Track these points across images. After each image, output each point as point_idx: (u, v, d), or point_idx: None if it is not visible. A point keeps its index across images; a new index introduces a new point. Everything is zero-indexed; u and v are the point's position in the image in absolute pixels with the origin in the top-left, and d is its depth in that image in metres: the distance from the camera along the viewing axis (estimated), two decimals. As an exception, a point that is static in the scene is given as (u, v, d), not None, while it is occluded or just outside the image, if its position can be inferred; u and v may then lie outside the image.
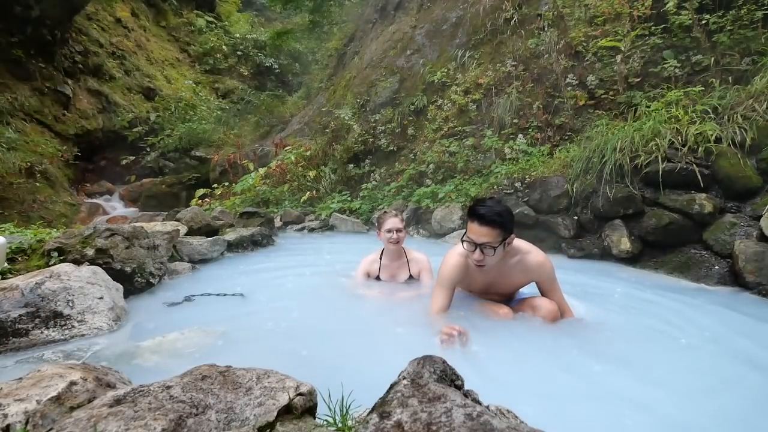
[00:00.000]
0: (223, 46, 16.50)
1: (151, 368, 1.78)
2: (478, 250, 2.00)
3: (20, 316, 2.00)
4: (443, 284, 2.19)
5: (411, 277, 3.01)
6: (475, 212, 2.00)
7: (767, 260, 2.83)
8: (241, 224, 5.23)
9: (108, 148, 11.58)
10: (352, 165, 7.42)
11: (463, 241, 2.08)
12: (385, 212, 3.03)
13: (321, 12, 13.20)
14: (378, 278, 3.02)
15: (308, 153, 8.18)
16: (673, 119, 3.79)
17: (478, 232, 1.98)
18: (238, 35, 17.08)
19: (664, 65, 4.54)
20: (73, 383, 1.06)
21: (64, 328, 2.07)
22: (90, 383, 1.08)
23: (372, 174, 7.10)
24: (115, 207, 10.17)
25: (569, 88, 5.36)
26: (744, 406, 1.58)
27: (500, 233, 1.97)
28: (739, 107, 3.57)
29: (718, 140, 3.44)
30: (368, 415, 0.89)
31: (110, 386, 1.12)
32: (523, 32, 6.29)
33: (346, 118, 7.86)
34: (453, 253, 2.21)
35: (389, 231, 2.89)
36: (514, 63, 6.14)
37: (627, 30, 4.91)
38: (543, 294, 2.19)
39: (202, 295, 2.72)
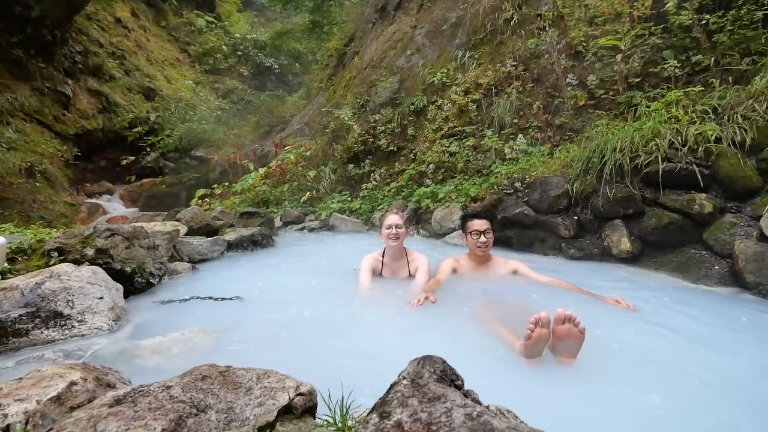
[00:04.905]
0: (223, 46, 16.52)
1: (151, 368, 1.77)
2: (482, 236, 2.88)
3: (20, 316, 2.01)
4: (440, 272, 2.98)
5: (411, 275, 3.04)
6: (474, 215, 3.02)
7: (767, 260, 2.83)
8: (241, 224, 5.23)
9: (108, 148, 11.58)
10: (352, 165, 7.42)
11: (470, 233, 2.94)
12: (388, 210, 3.09)
13: (321, 12, 13.21)
14: (381, 275, 3.06)
15: (308, 153, 8.18)
16: (673, 119, 3.79)
17: (480, 224, 2.92)
18: (238, 35, 17.10)
19: (664, 65, 4.53)
20: (73, 383, 1.06)
21: (64, 328, 2.07)
22: (90, 383, 1.08)
23: (372, 174, 7.10)
24: (115, 207, 10.17)
25: (569, 88, 5.36)
26: (742, 407, 1.58)
27: (491, 224, 2.98)
28: (739, 107, 3.56)
29: (718, 140, 3.43)
30: (368, 415, 0.90)
31: (110, 386, 1.12)
32: (523, 32, 6.29)
33: (346, 118, 7.85)
34: (448, 259, 3.07)
35: (388, 227, 2.97)
36: (514, 63, 6.14)
37: (627, 30, 4.91)
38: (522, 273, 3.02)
39: (204, 298, 2.71)
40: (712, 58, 4.26)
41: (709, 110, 3.67)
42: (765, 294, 2.77)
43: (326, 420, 1.02)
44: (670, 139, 3.56)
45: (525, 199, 4.40)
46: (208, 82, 15.66)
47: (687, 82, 4.41)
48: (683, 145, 3.51)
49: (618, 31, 4.97)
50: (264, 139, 11.12)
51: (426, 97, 7.02)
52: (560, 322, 1.73)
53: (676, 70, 4.46)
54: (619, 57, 4.89)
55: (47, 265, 2.51)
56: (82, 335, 2.08)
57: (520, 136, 5.52)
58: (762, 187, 3.27)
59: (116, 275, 2.65)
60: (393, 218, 2.99)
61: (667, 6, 4.56)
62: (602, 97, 5.06)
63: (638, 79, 4.82)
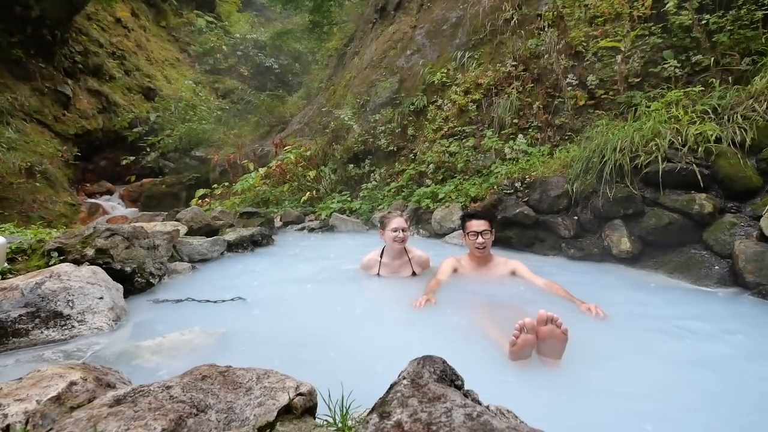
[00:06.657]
0: (223, 46, 16.53)
1: (151, 368, 1.77)
2: (480, 236, 2.84)
3: (20, 316, 2.00)
4: (441, 272, 2.96)
5: (414, 274, 3.04)
6: (472, 215, 2.98)
7: (767, 260, 2.83)
8: (241, 224, 5.23)
9: (108, 148, 11.60)
10: (352, 165, 7.42)
11: (468, 233, 2.92)
12: (389, 212, 3.07)
13: (321, 12, 13.20)
14: (378, 275, 3.04)
15: (308, 153, 8.18)
16: (673, 119, 3.78)
17: (478, 224, 2.88)
18: (238, 35, 17.10)
19: (664, 65, 4.53)
20: (73, 383, 1.06)
21: (64, 328, 2.07)
22: (90, 383, 1.08)
23: (372, 174, 7.10)
24: (115, 207, 10.17)
25: (569, 88, 5.36)
26: (741, 408, 1.57)
27: (490, 224, 2.92)
28: (739, 107, 3.56)
29: (718, 140, 3.43)
30: (368, 415, 0.90)
31: (110, 386, 1.12)
32: (523, 32, 6.29)
33: (346, 118, 7.86)
34: (449, 258, 3.05)
35: (395, 230, 2.94)
36: (514, 63, 6.14)
37: (627, 30, 4.91)
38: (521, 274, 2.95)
39: (200, 301, 2.69)
40: (712, 58, 4.26)
41: (709, 110, 3.66)
42: (765, 294, 2.77)
43: (326, 420, 1.02)
44: (670, 139, 3.56)
45: (525, 199, 4.40)
46: (208, 82, 15.67)
47: (687, 82, 4.41)
48: (683, 145, 3.51)
49: (618, 31, 4.97)
50: (264, 139, 11.12)
51: (426, 97, 7.02)
52: (543, 323, 1.75)
53: (676, 70, 4.46)
54: (619, 57, 4.89)
55: (47, 265, 2.51)
56: (82, 335, 2.08)
57: (520, 136, 5.52)
58: (762, 187, 3.27)
59: (116, 275, 2.65)
60: (399, 221, 2.96)
61: (667, 6, 4.56)
62: (602, 97, 5.06)
63: (638, 79, 4.82)
